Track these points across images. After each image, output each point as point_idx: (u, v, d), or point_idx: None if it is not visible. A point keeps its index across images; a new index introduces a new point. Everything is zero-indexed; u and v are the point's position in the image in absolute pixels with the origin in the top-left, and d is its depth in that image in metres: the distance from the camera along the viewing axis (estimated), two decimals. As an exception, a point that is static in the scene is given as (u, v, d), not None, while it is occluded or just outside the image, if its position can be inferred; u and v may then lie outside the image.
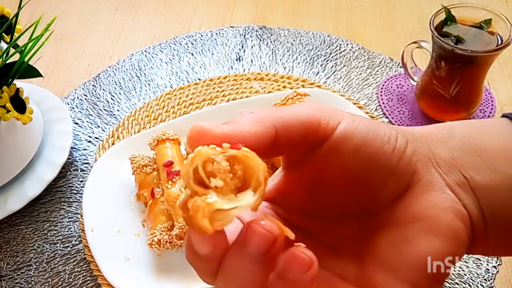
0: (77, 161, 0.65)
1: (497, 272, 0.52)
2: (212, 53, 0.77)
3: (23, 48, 0.55)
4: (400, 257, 0.22)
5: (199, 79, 0.74)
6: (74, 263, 0.55)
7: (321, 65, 0.74)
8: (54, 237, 0.57)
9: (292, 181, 0.25)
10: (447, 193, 0.23)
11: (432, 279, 0.22)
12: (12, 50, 0.56)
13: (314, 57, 0.76)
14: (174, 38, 0.80)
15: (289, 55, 0.76)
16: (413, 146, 0.24)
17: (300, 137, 0.23)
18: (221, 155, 0.20)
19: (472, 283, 0.51)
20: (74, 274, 0.54)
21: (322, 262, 0.21)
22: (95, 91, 0.73)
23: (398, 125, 0.64)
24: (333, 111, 0.24)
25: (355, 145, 0.23)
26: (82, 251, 0.56)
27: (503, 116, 0.26)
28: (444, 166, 0.24)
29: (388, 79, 0.72)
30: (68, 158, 0.64)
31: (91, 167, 0.63)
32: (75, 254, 0.56)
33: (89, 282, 0.54)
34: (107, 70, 0.76)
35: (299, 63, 0.75)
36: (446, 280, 0.51)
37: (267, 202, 0.26)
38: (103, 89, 0.73)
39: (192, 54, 0.77)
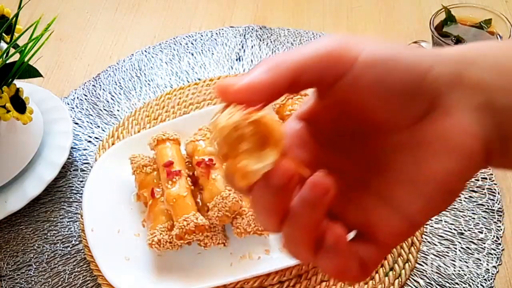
0: (77, 161, 0.65)
1: (497, 272, 0.52)
2: (212, 53, 0.77)
3: (23, 48, 0.55)
4: (417, 175, 0.24)
5: (199, 79, 0.74)
6: (74, 263, 0.55)
7: (321, 65, 0.74)
8: (54, 237, 0.57)
9: (321, 107, 0.27)
10: (466, 115, 0.23)
11: (446, 194, 0.24)
12: (12, 50, 0.56)
13: (314, 57, 0.75)
14: (174, 38, 0.80)
15: (289, 55, 0.76)
16: (439, 69, 0.24)
17: (318, 77, 0.23)
18: (244, 121, 0.22)
19: (472, 283, 0.51)
20: (74, 274, 0.54)
21: (346, 177, 0.25)
22: (95, 91, 0.73)
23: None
24: (356, 40, 0.24)
25: (376, 75, 0.23)
26: (82, 251, 0.56)
27: None
28: (469, 88, 0.24)
29: (388, 79, 0.72)
30: (68, 158, 0.64)
31: (91, 167, 0.63)
32: (75, 254, 0.56)
33: (89, 282, 0.54)
34: (107, 70, 0.76)
35: (299, 63, 0.75)
36: (446, 280, 0.51)
37: (302, 121, 0.28)
38: (103, 89, 0.73)
39: (192, 54, 0.77)
